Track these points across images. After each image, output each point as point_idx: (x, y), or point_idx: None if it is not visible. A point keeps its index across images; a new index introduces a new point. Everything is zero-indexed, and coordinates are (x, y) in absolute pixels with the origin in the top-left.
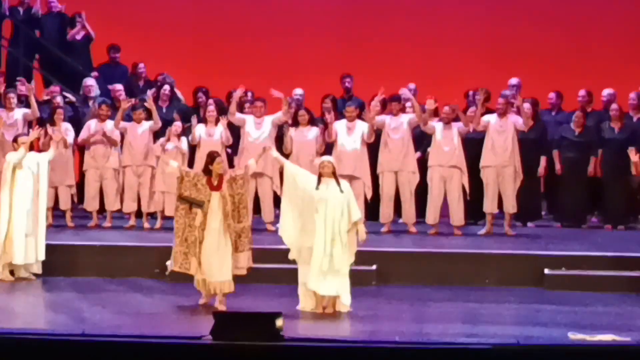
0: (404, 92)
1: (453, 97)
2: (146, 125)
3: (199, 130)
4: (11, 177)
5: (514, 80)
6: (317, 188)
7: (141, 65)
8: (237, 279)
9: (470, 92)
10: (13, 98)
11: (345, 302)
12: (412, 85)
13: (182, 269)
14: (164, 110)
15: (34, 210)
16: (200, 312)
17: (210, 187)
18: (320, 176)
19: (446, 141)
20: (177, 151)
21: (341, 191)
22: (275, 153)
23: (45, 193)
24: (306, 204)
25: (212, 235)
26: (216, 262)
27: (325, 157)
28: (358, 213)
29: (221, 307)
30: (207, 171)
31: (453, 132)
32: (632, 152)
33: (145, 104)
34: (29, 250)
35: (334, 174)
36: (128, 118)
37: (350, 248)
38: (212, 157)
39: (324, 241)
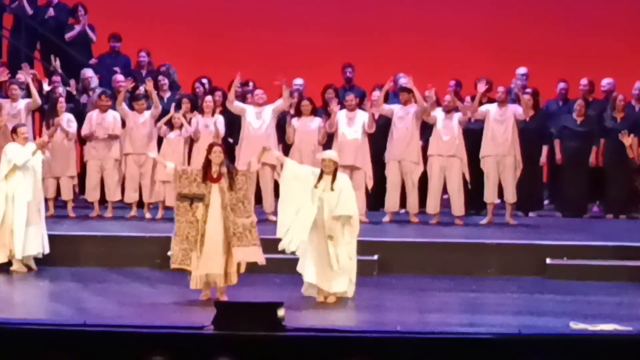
0: (407, 82)
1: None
2: (147, 114)
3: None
4: (10, 170)
5: (522, 70)
6: (315, 186)
7: (143, 53)
8: (238, 271)
9: (452, 82)
10: (16, 89)
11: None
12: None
13: (182, 265)
14: (165, 100)
15: (35, 202)
16: (202, 302)
17: (210, 179)
18: (322, 172)
19: (446, 130)
20: (179, 140)
21: (332, 189)
22: (276, 152)
23: (41, 189)
24: (304, 200)
25: (213, 227)
26: (217, 255)
27: (328, 154)
28: (344, 210)
29: (222, 298)
30: (207, 162)
31: (454, 121)
32: (624, 137)
33: (144, 86)
34: (29, 243)
35: (334, 172)
36: (130, 108)
37: (348, 245)
38: (210, 146)
39: (318, 241)
